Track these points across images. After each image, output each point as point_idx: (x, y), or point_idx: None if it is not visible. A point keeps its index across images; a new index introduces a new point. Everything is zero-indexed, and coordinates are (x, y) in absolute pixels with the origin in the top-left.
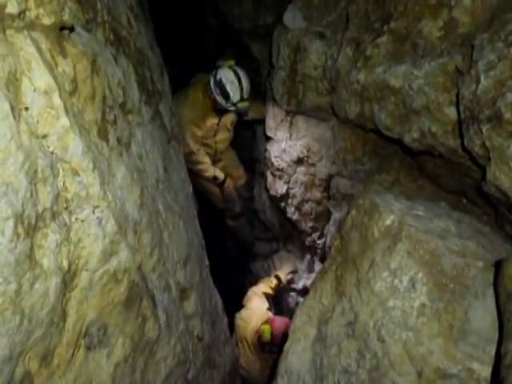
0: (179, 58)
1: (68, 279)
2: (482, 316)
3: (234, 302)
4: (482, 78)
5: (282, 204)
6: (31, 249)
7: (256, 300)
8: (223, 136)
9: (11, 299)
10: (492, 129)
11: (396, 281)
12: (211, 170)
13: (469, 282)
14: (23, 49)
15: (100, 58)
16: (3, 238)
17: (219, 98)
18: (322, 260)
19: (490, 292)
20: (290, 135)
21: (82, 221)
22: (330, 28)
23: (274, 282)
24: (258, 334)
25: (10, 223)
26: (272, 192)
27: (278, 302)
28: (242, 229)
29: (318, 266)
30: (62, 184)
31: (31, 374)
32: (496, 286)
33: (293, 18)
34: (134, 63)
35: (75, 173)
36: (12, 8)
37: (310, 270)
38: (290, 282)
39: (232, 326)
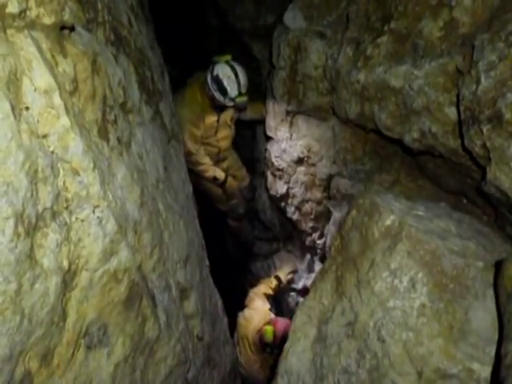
0: (180, 58)
1: (68, 279)
2: (482, 316)
3: (234, 302)
4: (483, 79)
5: (282, 204)
6: (31, 248)
7: (258, 301)
8: (224, 133)
9: (11, 299)
10: (492, 129)
11: (396, 281)
12: (211, 171)
13: (469, 283)
14: (24, 48)
15: (100, 58)
16: (3, 237)
17: (217, 94)
18: (322, 260)
19: (490, 292)
20: (291, 135)
21: (82, 220)
22: (331, 28)
23: (274, 282)
24: (260, 334)
25: (11, 223)
26: (272, 192)
27: (278, 302)
28: (244, 229)
29: (318, 266)
30: (62, 184)
31: (31, 374)
32: (496, 286)
33: (293, 18)
34: (134, 63)
35: (75, 172)
36: (12, 7)
37: (310, 270)
38: (290, 282)
39: (232, 326)
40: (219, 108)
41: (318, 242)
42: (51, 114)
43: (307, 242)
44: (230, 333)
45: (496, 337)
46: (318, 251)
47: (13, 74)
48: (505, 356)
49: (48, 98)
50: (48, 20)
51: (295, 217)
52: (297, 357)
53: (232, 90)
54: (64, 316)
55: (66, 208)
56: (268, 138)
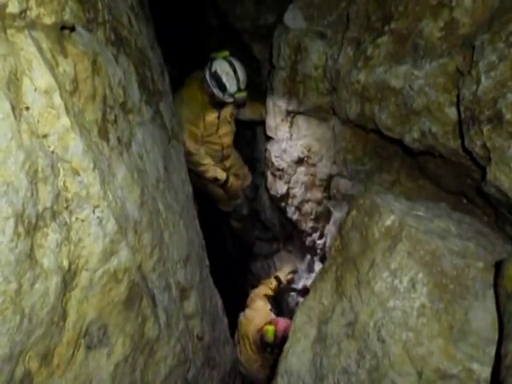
0: (180, 58)
1: (68, 279)
2: (482, 317)
3: (234, 302)
4: (483, 79)
5: (283, 204)
6: (31, 248)
7: (258, 301)
8: (226, 129)
9: (11, 298)
10: (492, 129)
11: (396, 281)
12: (212, 171)
13: (469, 283)
14: (24, 48)
15: (101, 58)
16: (4, 237)
17: (216, 91)
18: (322, 260)
19: (490, 293)
20: (291, 135)
21: (83, 220)
22: (331, 28)
23: (274, 283)
24: (261, 334)
25: (11, 223)
26: (272, 192)
27: (278, 302)
28: (246, 230)
29: (318, 266)
30: (62, 183)
31: (31, 374)
32: (496, 286)
33: (293, 18)
34: (134, 63)
35: (75, 172)
36: (13, 7)
37: (310, 270)
38: (290, 282)
39: (232, 326)
40: (219, 105)
41: (318, 242)
42: (51, 114)
43: (307, 242)
44: (229, 333)
45: (496, 337)
46: (318, 251)
47: (13, 74)
48: (505, 356)
49: (48, 98)
50: (48, 20)
51: (295, 217)
52: (297, 357)
53: (231, 86)
54: (64, 316)
55: (66, 208)
56: (268, 138)
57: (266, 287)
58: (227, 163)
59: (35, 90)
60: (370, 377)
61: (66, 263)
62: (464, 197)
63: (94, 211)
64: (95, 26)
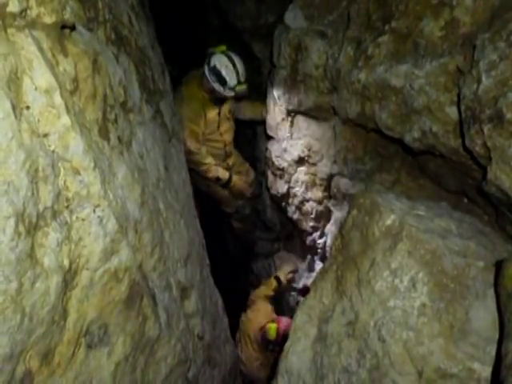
0: (180, 57)
1: (69, 278)
2: (483, 316)
3: (235, 302)
4: (484, 78)
5: (283, 203)
6: (32, 247)
7: (260, 302)
8: (226, 126)
9: (12, 298)
10: (493, 129)
11: (397, 280)
12: (214, 171)
13: (469, 282)
14: (24, 48)
15: (101, 57)
16: (4, 236)
17: (216, 86)
18: (323, 259)
19: (491, 292)
20: (291, 134)
21: (83, 220)
22: (332, 27)
23: (274, 283)
24: (263, 332)
25: (11, 222)
26: (273, 191)
27: (278, 301)
28: (247, 230)
29: (318, 266)
30: (62, 183)
31: (32, 373)
32: (496, 286)
33: (294, 18)
34: (135, 62)
35: (76, 172)
36: (13, 7)
37: (311, 269)
38: (291, 281)
39: (233, 326)
40: (219, 101)
41: (319, 241)
42: (52, 114)
43: (308, 242)
44: (230, 332)
45: (496, 336)
46: (319, 251)
47: (13, 74)
48: (505, 356)
49: (49, 98)
50: (49, 19)
51: (296, 216)
52: (297, 356)
53: (231, 80)
54: (65, 315)
55: (67, 207)
56: (269, 138)
57: (266, 288)
58: (230, 161)
59: (36, 89)
60: (370, 376)
61: (66, 262)
62: (465, 196)
63: (94, 210)
64: (96, 25)
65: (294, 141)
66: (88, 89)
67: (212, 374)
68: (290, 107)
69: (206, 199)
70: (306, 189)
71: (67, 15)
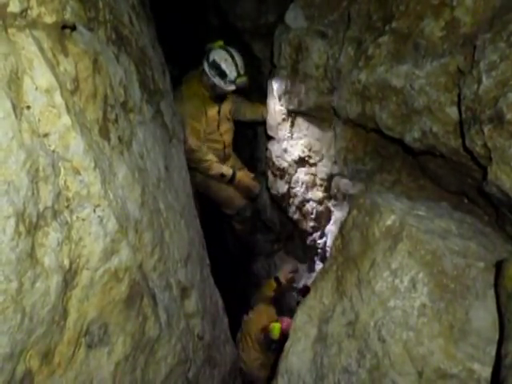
0: (181, 57)
1: (69, 278)
2: (483, 316)
3: (235, 302)
4: (484, 78)
5: (283, 203)
6: (32, 247)
7: (261, 304)
8: (226, 126)
9: (12, 297)
10: (493, 129)
11: (397, 281)
12: (217, 167)
13: (470, 283)
14: (25, 47)
15: (102, 57)
16: (5, 236)
17: (217, 80)
18: (323, 260)
19: (491, 292)
20: (291, 134)
21: (83, 219)
22: (332, 27)
23: (274, 284)
24: (266, 331)
25: (12, 222)
26: (273, 191)
27: (278, 301)
28: (248, 231)
29: (318, 266)
30: (63, 183)
31: (32, 373)
32: (497, 286)
33: (294, 18)
34: (135, 62)
35: (76, 171)
36: (14, 7)
37: (311, 269)
38: (291, 281)
39: (233, 326)
40: (219, 97)
41: (319, 241)
42: (52, 113)
43: (308, 242)
44: (230, 332)
45: (496, 337)
46: (319, 251)
47: (14, 73)
48: (505, 356)
49: (49, 97)
50: (49, 19)
51: (296, 216)
52: (297, 356)
53: (231, 72)
54: (65, 315)
55: (67, 207)
56: (269, 138)
57: (267, 289)
58: (228, 164)
59: (36, 89)
60: (370, 376)
61: (66, 262)
62: (465, 196)
63: (94, 210)
64: (96, 25)
65: (294, 141)
66: (88, 89)
67: (212, 373)
68: (291, 107)
69: (206, 200)
70: (307, 189)
71: (68, 15)
